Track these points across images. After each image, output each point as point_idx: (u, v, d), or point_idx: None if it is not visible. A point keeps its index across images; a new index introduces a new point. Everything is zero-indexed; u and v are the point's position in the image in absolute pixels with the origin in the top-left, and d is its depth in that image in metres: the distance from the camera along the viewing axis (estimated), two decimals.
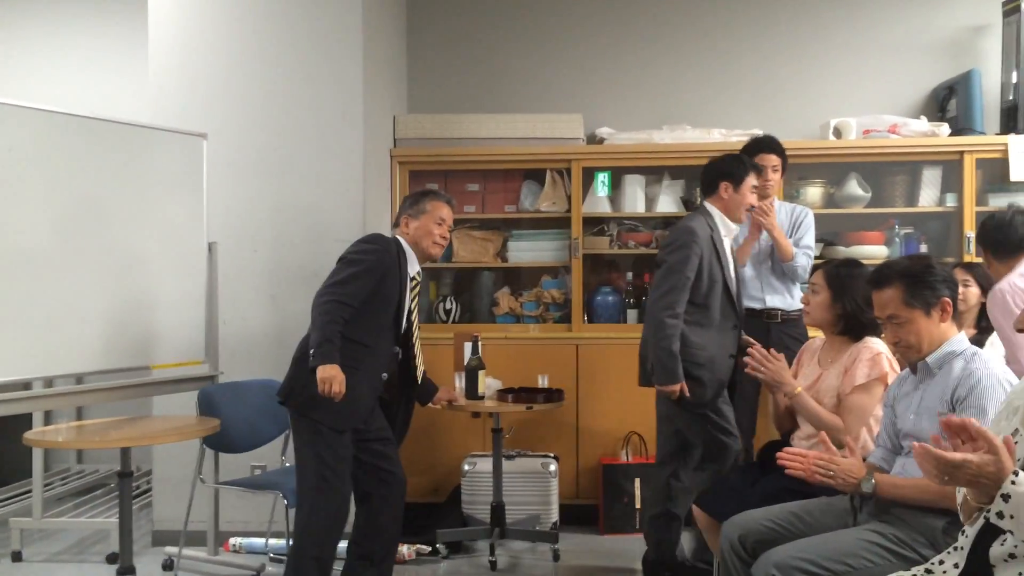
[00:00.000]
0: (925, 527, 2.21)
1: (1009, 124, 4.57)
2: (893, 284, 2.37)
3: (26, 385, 3.60)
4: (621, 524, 4.30)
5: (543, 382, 4.12)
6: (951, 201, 4.52)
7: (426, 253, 3.34)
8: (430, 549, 4.01)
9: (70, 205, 3.40)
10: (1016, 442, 1.82)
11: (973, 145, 4.40)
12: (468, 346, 3.96)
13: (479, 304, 4.86)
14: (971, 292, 3.33)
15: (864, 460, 2.50)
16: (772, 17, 4.97)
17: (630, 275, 4.77)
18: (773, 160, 3.98)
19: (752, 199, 3.58)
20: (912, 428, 2.36)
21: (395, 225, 3.43)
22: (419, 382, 3.49)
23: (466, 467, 4.29)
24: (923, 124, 4.57)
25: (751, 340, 3.07)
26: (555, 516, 4.26)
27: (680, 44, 5.01)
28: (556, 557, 3.95)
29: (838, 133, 4.59)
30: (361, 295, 3.09)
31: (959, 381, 2.28)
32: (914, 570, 1.93)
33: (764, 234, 4.00)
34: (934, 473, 1.68)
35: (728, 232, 3.58)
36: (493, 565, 3.82)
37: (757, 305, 4.02)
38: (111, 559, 3.91)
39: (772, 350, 2.97)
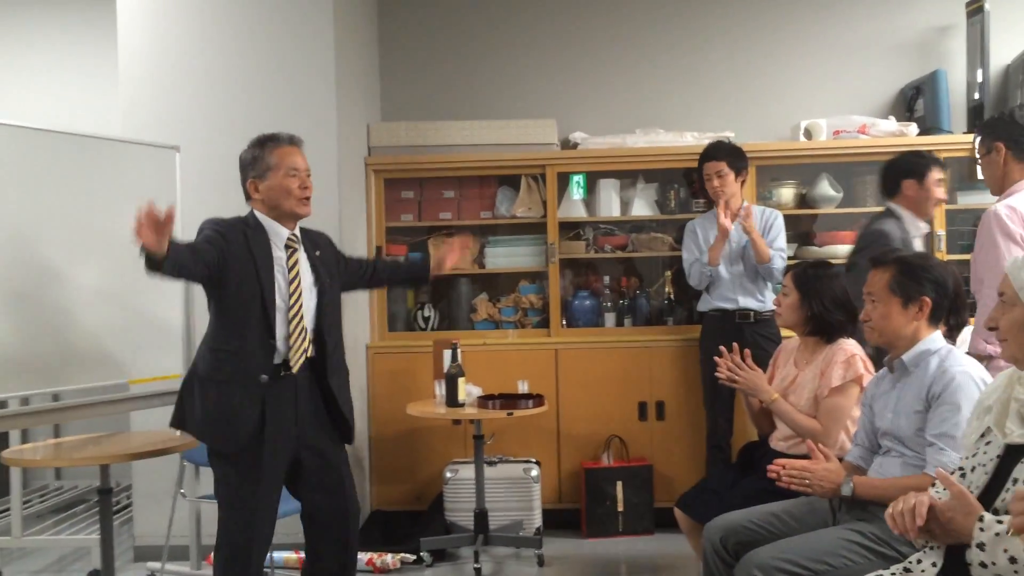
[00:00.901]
0: None
1: (975, 123, 4.64)
2: (887, 267, 2.44)
3: (1, 404, 3.56)
4: (604, 527, 4.32)
5: (523, 387, 4.13)
6: None
7: (293, 213, 2.83)
8: (414, 558, 4.00)
9: (40, 221, 3.36)
10: (989, 442, 1.85)
11: (941, 144, 4.47)
12: (447, 354, 3.97)
13: (457, 311, 4.87)
14: None
15: (841, 460, 2.54)
16: (741, 21, 5.02)
17: (607, 279, 4.79)
18: (716, 166, 4.05)
19: (939, 192, 3.58)
20: (890, 427, 2.39)
21: (247, 197, 2.88)
22: (340, 364, 2.93)
23: (448, 474, 4.30)
24: (892, 124, 4.64)
25: (723, 349, 3.05)
26: (538, 521, 4.27)
27: (652, 48, 5.05)
28: (541, 562, 3.97)
29: (808, 134, 4.65)
30: (213, 255, 2.66)
31: (934, 379, 2.32)
32: (893, 568, 1.96)
33: (735, 235, 4.04)
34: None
35: (918, 232, 3.60)
36: (478, 572, 3.83)
37: (730, 306, 4.08)
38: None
39: (748, 352, 3.00)
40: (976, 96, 4.68)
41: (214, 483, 2.87)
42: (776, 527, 2.51)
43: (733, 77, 5.01)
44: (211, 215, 4.26)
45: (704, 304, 4.22)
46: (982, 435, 1.89)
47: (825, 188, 4.64)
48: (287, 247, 2.82)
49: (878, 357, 2.67)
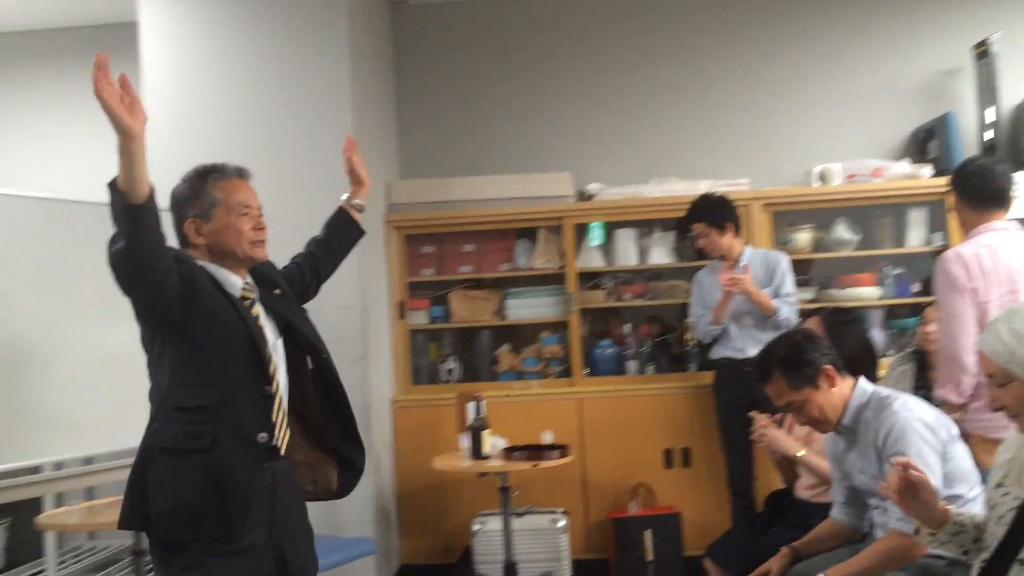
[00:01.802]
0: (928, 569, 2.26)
1: None
2: (774, 375, 2.45)
3: (35, 469, 3.63)
4: None
5: (548, 438, 4.14)
6: (939, 240, 4.60)
7: (247, 258, 2.30)
8: None
9: (69, 289, 3.44)
10: (1006, 493, 1.86)
11: None
12: (471, 406, 3.99)
13: (480, 363, 4.90)
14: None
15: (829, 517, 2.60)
16: (753, 70, 5.10)
17: (628, 327, 4.83)
18: (696, 228, 4.06)
19: None
20: (866, 487, 2.43)
21: (182, 244, 2.30)
22: (346, 404, 2.44)
23: (476, 527, 4.30)
24: (905, 166, 4.68)
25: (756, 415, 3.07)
26: (568, 572, 4.25)
27: (665, 99, 5.14)
28: None
29: (823, 179, 4.69)
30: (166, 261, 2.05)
31: (876, 434, 2.35)
32: None
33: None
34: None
35: None
36: None
37: (738, 355, 4.06)
38: None
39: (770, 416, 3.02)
40: (989, 136, 4.71)
41: None
42: None
43: (747, 124, 5.08)
44: None
45: (715, 352, 4.21)
46: (998, 485, 1.90)
47: (842, 232, 4.67)
48: (243, 299, 2.28)
49: None
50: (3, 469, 3.51)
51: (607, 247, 4.85)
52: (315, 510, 4.27)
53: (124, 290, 2.08)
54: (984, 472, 2.27)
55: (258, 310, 2.31)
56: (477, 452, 3.91)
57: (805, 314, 3.62)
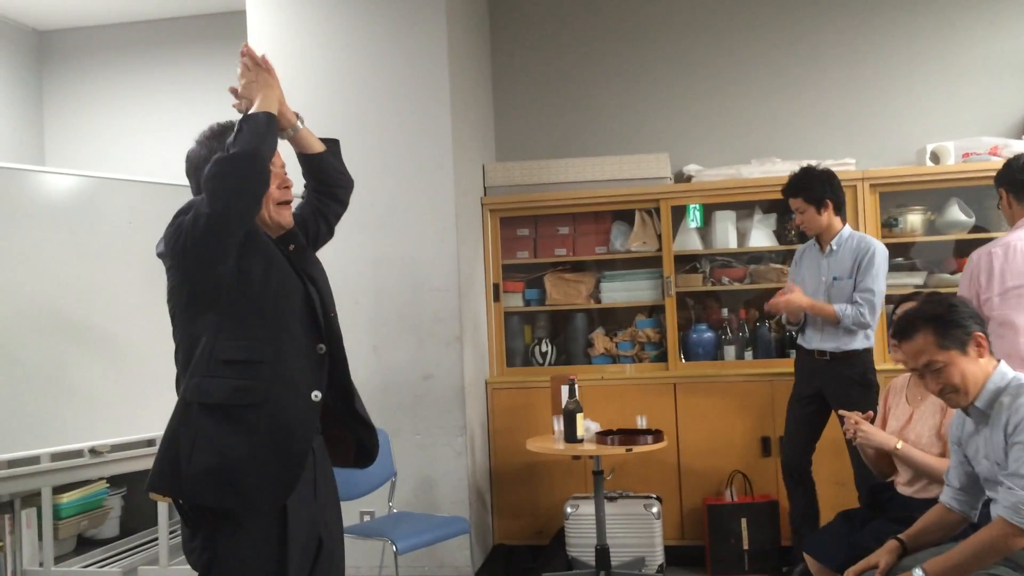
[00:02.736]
0: None
1: None
2: (921, 331, 2.31)
3: (151, 442, 3.82)
4: (729, 566, 4.23)
5: (642, 422, 4.12)
6: None
7: (274, 223, 2.17)
8: None
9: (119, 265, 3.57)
10: None
11: None
12: (565, 389, 4.00)
13: (574, 346, 4.90)
14: None
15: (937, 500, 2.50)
16: (857, 44, 4.90)
17: (725, 311, 4.73)
18: (793, 203, 3.91)
19: None
20: (989, 473, 2.31)
21: None
22: (355, 397, 2.25)
23: (568, 510, 4.31)
24: None
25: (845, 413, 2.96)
26: (661, 558, 4.23)
27: (765, 75, 4.99)
28: None
29: (936, 158, 4.49)
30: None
31: (1008, 418, 2.23)
32: None
33: (818, 278, 3.89)
34: None
35: None
36: None
37: (805, 345, 3.95)
38: None
39: (870, 413, 2.94)
40: None
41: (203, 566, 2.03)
42: None
43: (851, 101, 4.89)
44: (337, 255, 4.33)
45: (798, 339, 4.10)
46: None
47: (955, 213, 4.46)
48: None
49: None
50: (122, 441, 3.73)
51: (705, 230, 4.76)
52: (411, 489, 4.38)
53: (208, 235, 1.94)
54: None
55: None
56: (571, 435, 3.91)
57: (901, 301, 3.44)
